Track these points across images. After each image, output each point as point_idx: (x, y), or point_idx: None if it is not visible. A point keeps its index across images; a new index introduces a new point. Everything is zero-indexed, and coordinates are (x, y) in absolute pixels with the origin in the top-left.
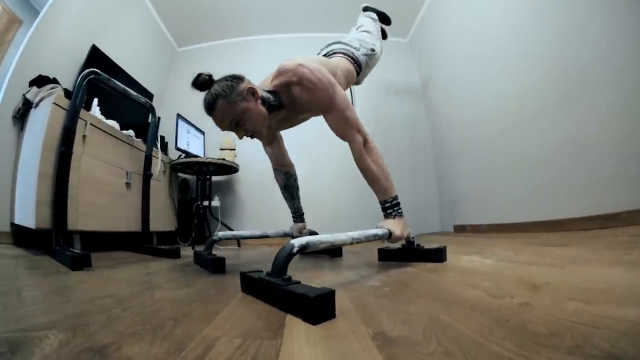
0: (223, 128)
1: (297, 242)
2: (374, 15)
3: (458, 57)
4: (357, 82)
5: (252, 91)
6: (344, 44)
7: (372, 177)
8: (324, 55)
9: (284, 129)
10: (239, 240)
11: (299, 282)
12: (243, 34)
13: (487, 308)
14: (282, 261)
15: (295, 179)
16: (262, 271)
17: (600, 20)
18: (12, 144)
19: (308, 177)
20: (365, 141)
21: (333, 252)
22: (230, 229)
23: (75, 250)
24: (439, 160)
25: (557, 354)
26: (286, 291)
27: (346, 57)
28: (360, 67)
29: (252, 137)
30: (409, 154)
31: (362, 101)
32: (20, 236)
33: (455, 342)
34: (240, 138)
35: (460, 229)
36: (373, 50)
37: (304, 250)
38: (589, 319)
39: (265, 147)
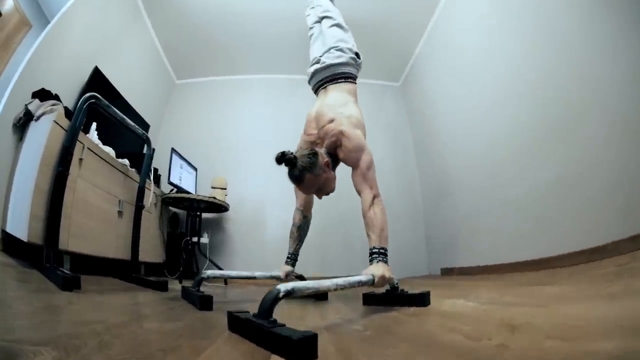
0: (307, 194)
1: (283, 287)
2: None
3: (447, 101)
4: None
5: (327, 164)
6: (344, 62)
7: (373, 223)
8: (329, 77)
9: None
10: (225, 279)
11: (283, 325)
12: (241, 72)
13: (464, 351)
14: (269, 304)
15: (309, 226)
16: (248, 312)
17: (586, 58)
18: (10, 152)
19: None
20: (375, 197)
21: (319, 295)
22: (218, 267)
23: (65, 271)
24: (427, 203)
25: None
26: (271, 333)
27: (354, 82)
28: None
29: (327, 194)
30: (397, 197)
31: None
32: (10, 244)
33: None
34: (320, 198)
35: (448, 272)
36: (359, 57)
37: (290, 295)
38: (566, 355)
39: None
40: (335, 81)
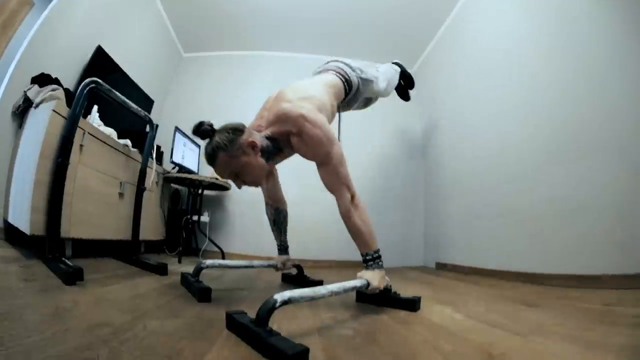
0: (222, 178)
1: (279, 297)
2: (397, 67)
3: (459, 98)
4: (348, 105)
5: (252, 145)
6: (341, 61)
7: (356, 233)
8: (319, 71)
9: (278, 163)
10: (223, 256)
11: (279, 334)
12: (250, 48)
13: None
14: (265, 314)
15: (285, 216)
16: (245, 313)
17: (617, 87)
18: (9, 140)
19: (297, 201)
20: (353, 197)
21: (315, 282)
22: (217, 246)
23: (68, 262)
24: (429, 198)
25: None
26: (268, 343)
27: (337, 75)
28: (350, 87)
29: (249, 185)
30: (400, 188)
31: (358, 132)
32: (13, 234)
33: None
34: (239, 188)
35: (442, 267)
36: (369, 79)
37: (286, 304)
38: None
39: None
40: (323, 73)
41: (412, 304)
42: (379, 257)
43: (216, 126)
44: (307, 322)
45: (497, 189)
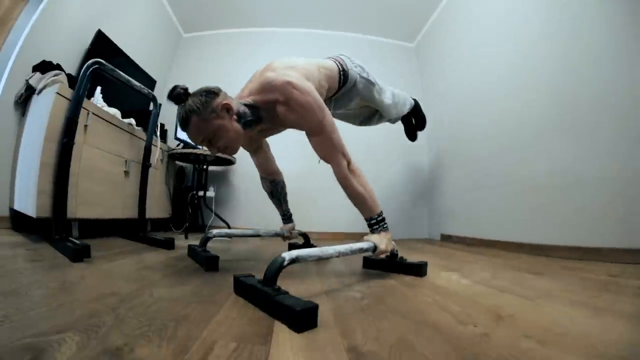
0: (196, 144)
1: (287, 255)
2: (412, 101)
3: (463, 70)
4: (341, 104)
5: (227, 107)
6: (345, 55)
7: (358, 198)
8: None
9: (266, 137)
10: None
11: (287, 293)
12: (253, 25)
13: (450, 334)
14: (273, 273)
15: (283, 186)
16: (253, 276)
17: (615, 60)
18: (13, 129)
19: (302, 174)
20: (349, 163)
21: None
22: (224, 220)
23: (75, 241)
24: (433, 169)
25: None
26: (275, 301)
27: (335, 61)
28: (346, 79)
29: (224, 153)
30: (404, 158)
31: None
32: (19, 221)
33: None
34: (213, 155)
35: (447, 238)
36: (370, 81)
37: (294, 262)
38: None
39: (252, 156)
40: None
41: (419, 269)
42: (383, 219)
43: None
44: (315, 286)
45: (497, 159)
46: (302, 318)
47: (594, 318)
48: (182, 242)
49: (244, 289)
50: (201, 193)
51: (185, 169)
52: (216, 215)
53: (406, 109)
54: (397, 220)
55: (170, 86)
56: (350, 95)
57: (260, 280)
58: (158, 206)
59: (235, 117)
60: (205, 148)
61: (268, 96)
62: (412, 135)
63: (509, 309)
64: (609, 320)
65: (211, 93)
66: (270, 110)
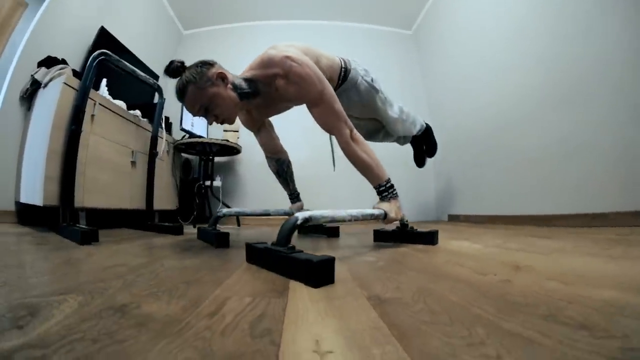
0: (194, 114)
1: (300, 215)
2: (424, 124)
3: (461, 51)
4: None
5: (222, 76)
6: (354, 60)
7: (364, 166)
8: None
9: (267, 117)
10: (239, 219)
11: (301, 251)
12: (251, 19)
13: (471, 282)
14: (287, 232)
15: (289, 165)
16: (266, 243)
17: (604, 28)
18: (19, 125)
19: (309, 162)
20: (352, 132)
21: (331, 232)
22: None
23: (82, 226)
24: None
25: (532, 319)
26: (290, 258)
27: (340, 59)
28: (346, 75)
29: (222, 122)
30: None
31: None
32: (25, 214)
33: (440, 305)
34: (210, 124)
35: (454, 218)
36: (375, 86)
37: (307, 222)
38: (565, 295)
39: (256, 136)
40: None
41: (431, 237)
42: (392, 186)
43: None
44: (328, 253)
45: (500, 134)
46: (320, 271)
47: (611, 263)
48: (192, 230)
49: (256, 253)
50: (208, 183)
51: (191, 161)
52: (224, 204)
53: (415, 130)
54: (403, 205)
55: (173, 81)
56: (349, 95)
57: (274, 242)
58: (165, 198)
59: (230, 86)
60: (212, 138)
61: (267, 71)
62: (420, 161)
63: (526, 261)
64: (627, 264)
65: (206, 64)
66: (269, 85)
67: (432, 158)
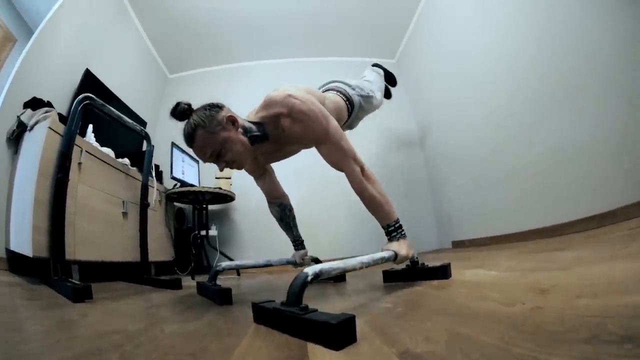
0: (204, 160)
1: (310, 270)
2: (380, 71)
3: (445, 76)
4: (350, 126)
5: (232, 120)
6: (340, 81)
7: (375, 205)
8: (324, 85)
9: (273, 162)
10: (238, 269)
11: (316, 310)
12: (235, 60)
13: (501, 316)
14: (298, 290)
15: (291, 209)
16: (273, 300)
17: (591, 26)
18: (6, 167)
19: (304, 202)
20: (363, 169)
21: (337, 277)
22: (230, 258)
23: (75, 281)
24: (432, 179)
25: (576, 346)
26: (306, 320)
27: (339, 94)
28: (352, 106)
29: (232, 167)
30: (402, 174)
31: (352, 132)
32: (16, 262)
33: (479, 351)
34: (221, 170)
35: (459, 244)
36: (369, 95)
37: (318, 278)
38: (600, 310)
39: (257, 181)
40: (327, 92)
41: (444, 271)
42: (401, 226)
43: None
44: (340, 305)
45: (495, 153)
46: (341, 332)
47: (631, 262)
48: (190, 283)
49: (265, 314)
50: (203, 232)
51: (184, 210)
52: (221, 253)
53: (383, 84)
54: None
55: (161, 127)
56: (359, 115)
57: (283, 302)
58: (160, 249)
59: (241, 130)
60: (205, 186)
61: (271, 111)
62: (387, 94)
63: (549, 281)
64: None
65: (215, 107)
66: (276, 125)
67: (430, 190)
